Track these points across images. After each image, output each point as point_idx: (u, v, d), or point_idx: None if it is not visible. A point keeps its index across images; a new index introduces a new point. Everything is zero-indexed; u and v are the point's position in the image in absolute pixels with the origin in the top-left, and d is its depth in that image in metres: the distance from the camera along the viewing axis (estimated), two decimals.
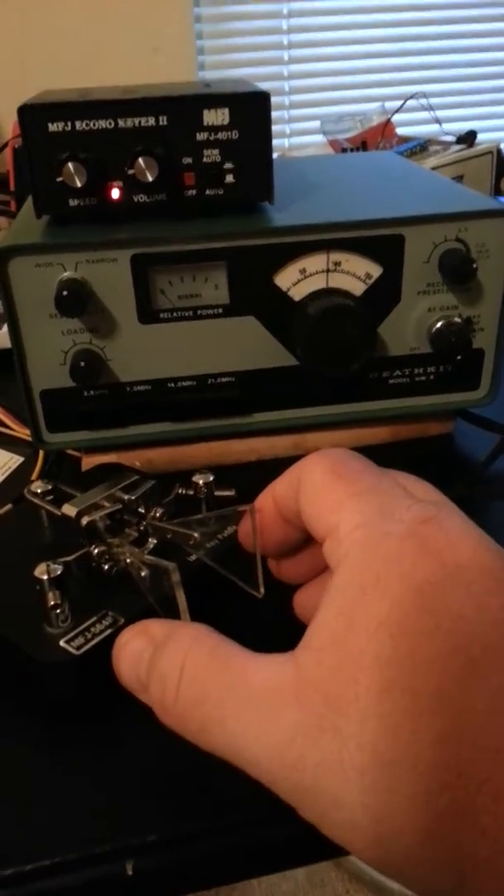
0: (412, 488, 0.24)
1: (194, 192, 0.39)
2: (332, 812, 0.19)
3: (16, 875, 0.21)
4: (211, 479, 0.33)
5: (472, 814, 0.17)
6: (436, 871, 0.18)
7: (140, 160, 0.37)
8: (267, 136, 0.39)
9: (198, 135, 0.38)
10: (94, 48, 1.39)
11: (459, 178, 0.90)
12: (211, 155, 0.39)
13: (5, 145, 0.87)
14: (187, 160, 0.39)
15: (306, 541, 0.27)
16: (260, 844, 0.24)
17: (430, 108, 1.21)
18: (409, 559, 0.20)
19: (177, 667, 0.21)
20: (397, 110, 1.10)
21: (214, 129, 0.38)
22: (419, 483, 0.24)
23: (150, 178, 0.37)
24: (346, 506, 0.22)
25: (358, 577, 0.20)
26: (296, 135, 1.54)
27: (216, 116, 0.38)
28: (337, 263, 0.39)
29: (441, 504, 0.23)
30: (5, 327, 0.39)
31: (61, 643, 0.27)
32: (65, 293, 0.36)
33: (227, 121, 0.38)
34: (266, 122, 0.39)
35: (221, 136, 0.38)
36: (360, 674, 0.19)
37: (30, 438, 0.41)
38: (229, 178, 0.39)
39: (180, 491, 0.33)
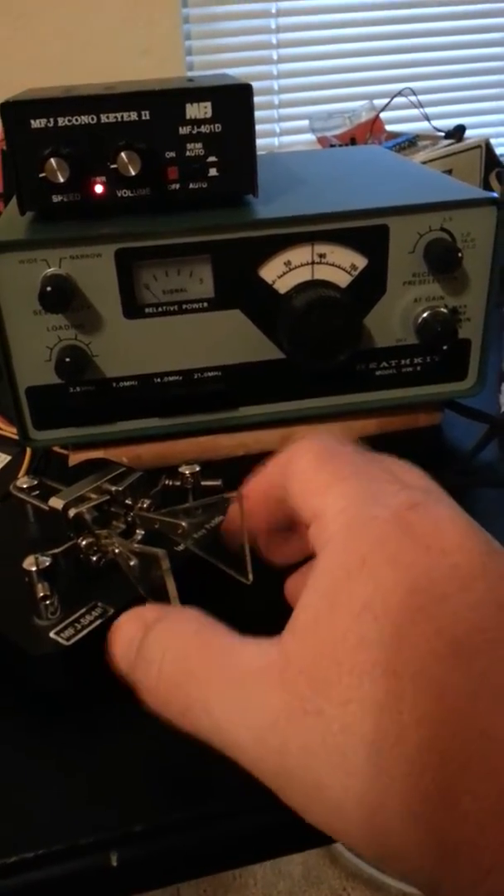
0: (401, 474, 0.24)
1: (178, 185, 0.39)
2: (315, 796, 0.19)
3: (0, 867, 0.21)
4: (197, 469, 0.33)
5: (455, 795, 0.17)
6: (418, 853, 0.18)
7: (123, 154, 0.37)
8: (250, 129, 0.39)
9: (180, 128, 0.38)
10: (82, 51, 1.39)
11: (448, 173, 0.90)
12: (194, 148, 0.39)
13: None
14: (170, 154, 0.39)
15: (295, 523, 0.27)
16: (245, 834, 0.23)
17: (419, 103, 1.22)
18: (394, 543, 0.20)
19: (161, 647, 0.21)
20: (385, 106, 1.10)
21: (197, 122, 0.38)
22: (409, 469, 0.24)
23: (133, 173, 0.37)
24: (332, 490, 0.22)
25: (342, 559, 0.20)
26: (285, 133, 1.54)
27: (198, 110, 0.38)
28: (322, 255, 0.39)
29: (429, 490, 0.23)
30: None
31: (51, 635, 0.27)
32: (49, 289, 0.36)
33: (209, 114, 0.38)
34: (249, 114, 0.39)
35: (204, 129, 0.38)
36: (344, 655, 0.19)
37: (17, 437, 0.41)
38: (213, 172, 0.39)
39: (167, 482, 0.33)
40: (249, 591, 0.27)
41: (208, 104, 0.38)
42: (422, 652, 0.18)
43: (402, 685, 0.18)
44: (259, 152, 0.40)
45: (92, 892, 0.23)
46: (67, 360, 0.38)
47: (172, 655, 0.21)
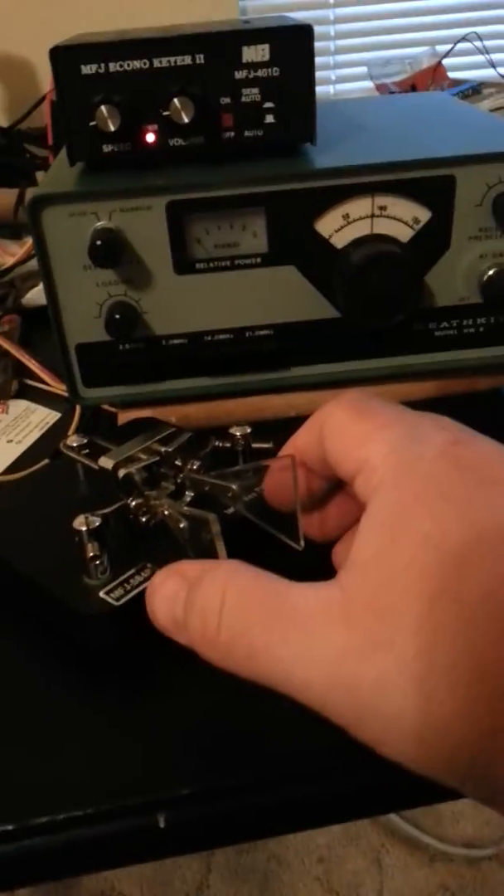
0: (435, 419, 0.24)
1: (233, 133, 0.37)
2: (394, 727, 0.19)
3: (49, 823, 0.22)
4: (248, 431, 0.32)
5: None
6: (500, 775, 0.18)
7: (175, 101, 0.36)
8: (310, 73, 0.37)
9: (236, 73, 0.36)
10: None
11: None
12: (250, 94, 0.37)
13: (42, 98, 0.86)
14: (225, 100, 0.37)
15: (330, 493, 0.27)
16: (292, 802, 0.23)
17: (485, 49, 1.15)
18: (445, 477, 0.20)
19: (218, 597, 0.21)
20: (448, 52, 1.05)
21: (254, 66, 0.36)
22: (439, 417, 0.24)
23: (186, 120, 0.36)
24: (373, 438, 0.22)
25: (396, 497, 0.21)
26: (342, 81, 1.48)
27: (256, 53, 0.36)
28: (382, 208, 0.37)
29: (465, 429, 0.23)
30: (41, 285, 0.38)
31: (101, 595, 0.27)
32: (98, 243, 0.35)
33: (267, 57, 0.36)
34: (309, 57, 0.37)
35: (261, 73, 0.37)
36: (410, 585, 0.19)
37: (66, 394, 0.41)
38: (269, 119, 0.37)
39: (217, 443, 0.32)
40: (299, 557, 0.27)
41: (266, 47, 0.36)
42: (486, 577, 0.18)
43: (471, 609, 0.18)
44: (319, 101, 0.38)
45: (139, 851, 0.23)
46: (117, 316, 0.37)
47: (232, 605, 0.21)
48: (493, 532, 0.19)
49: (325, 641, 0.19)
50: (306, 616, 0.20)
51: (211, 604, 0.21)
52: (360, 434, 0.23)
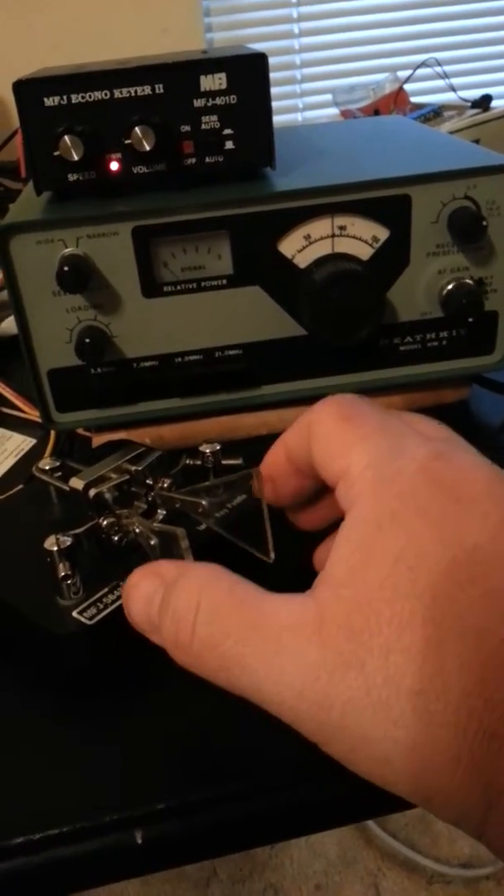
0: (421, 427, 0.24)
1: (194, 160, 0.38)
2: (361, 748, 0.19)
3: (25, 844, 0.22)
4: (218, 447, 0.33)
5: (499, 739, 0.17)
6: (466, 797, 0.18)
7: (137, 129, 0.37)
8: (266, 100, 0.38)
9: (195, 101, 0.37)
10: (102, 32, 1.38)
11: (476, 143, 0.88)
12: (209, 121, 0.38)
13: (14, 133, 0.87)
14: (185, 128, 0.38)
15: (320, 491, 0.27)
16: (268, 813, 0.23)
17: (444, 74, 1.19)
18: (423, 495, 0.20)
19: (192, 604, 0.21)
20: (409, 77, 1.08)
21: (212, 94, 0.38)
22: (428, 422, 0.24)
23: (148, 148, 0.37)
24: (355, 448, 0.22)
25: (373, 513, 0.20)
26: (308, 108, 1.52)
27: (213, 82, 0.37)
28: (342, 227, 0.38)
29: (450, 440, 0.23)
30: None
31: (74, 614, 0.27)
32: (66, 269, 0.36)
33: (224, 85, 0.37)
34: (264, 84, 0.38)
35: (219, 101, 0.38)
36: (382, 606, 0.19)
37: (40, 420, 0.41)
38: (229, 145, 0.38)
39: (188, 461, 0.33)
40: (271, 569, 0.27)
41: (223, 75, 0.37)
42: (458, 600, 0.19)
43: (442, 633, 0.18)
44: (281, 127, 0.39)
45: (117, 869, 0.23)
46: (87, 341, 0.38)
47: (206, 614, 0.21)
48: (468, 553, 0.19)
49: (298, 657, 0.19)
50: (280, 629, 0.20)
51: (185, 610, 0.21)
52: (343, 443, 0.23)
